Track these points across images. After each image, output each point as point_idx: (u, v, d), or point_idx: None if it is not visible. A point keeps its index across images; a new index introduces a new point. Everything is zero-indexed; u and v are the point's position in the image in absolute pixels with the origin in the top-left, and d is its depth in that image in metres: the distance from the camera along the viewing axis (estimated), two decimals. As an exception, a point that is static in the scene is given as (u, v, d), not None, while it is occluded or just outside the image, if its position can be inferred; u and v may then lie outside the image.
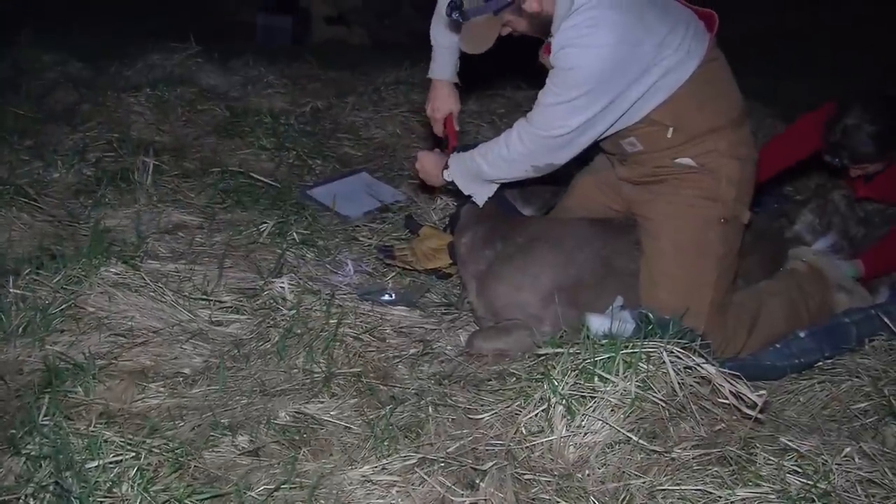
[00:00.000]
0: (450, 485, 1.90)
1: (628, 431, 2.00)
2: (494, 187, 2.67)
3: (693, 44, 2.34)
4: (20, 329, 2.35)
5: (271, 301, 2.63)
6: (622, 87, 2.30)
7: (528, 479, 1.94)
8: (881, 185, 3.07)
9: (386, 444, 2.05)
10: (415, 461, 1.97)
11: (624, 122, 2.39)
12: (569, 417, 2.03)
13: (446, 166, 2.70)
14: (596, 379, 2.06)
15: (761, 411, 2.04)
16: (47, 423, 1.96)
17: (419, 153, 2.85)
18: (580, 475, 1.97)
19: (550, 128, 2.38)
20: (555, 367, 2.11)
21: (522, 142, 2.45)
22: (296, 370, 2.36)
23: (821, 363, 2.54)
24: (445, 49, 2.87)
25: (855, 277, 2.90)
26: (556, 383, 2.06)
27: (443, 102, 2.90)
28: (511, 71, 4.49)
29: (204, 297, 2.63)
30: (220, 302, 2.64)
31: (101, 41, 5.47)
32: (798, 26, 7.72)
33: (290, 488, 1.90)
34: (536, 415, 2.07)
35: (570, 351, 2.14)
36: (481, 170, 2.59)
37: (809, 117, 3.16)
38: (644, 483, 1.91)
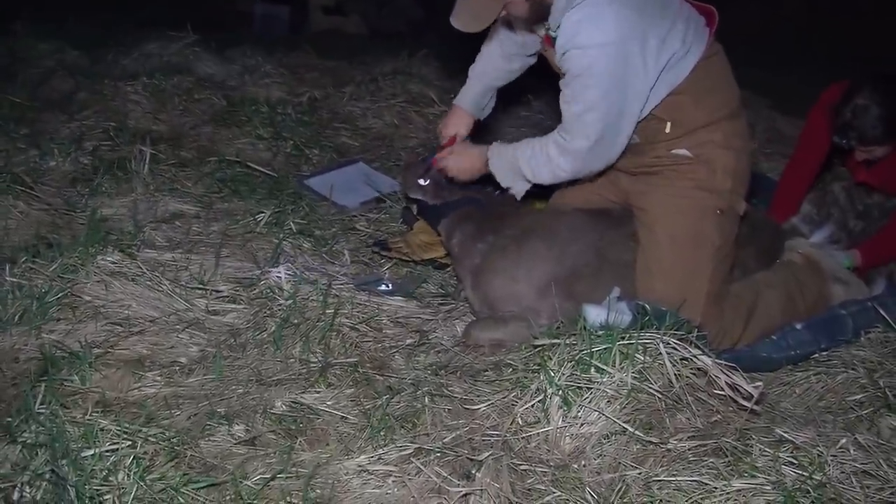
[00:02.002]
0: (446, 475, 1.90)
1: (624, 422, 2.00)
2: (529, 186, 2.64)
3: (694, 40, 2.34)
4: (16, 317, 2.35)
5: (268, 291, 2.62)
6: (634, 81, 2.28)
7: (524, 470, 1.95)
8: (882, 171, 3.07)
9: (382, 434, 2.06)
10: (411, 451, 1.98)
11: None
12: (565, 408, 2.03)
13: (488, 160, 2.66)
14: (592, 370, 2.07)
15: (757, 403, 2.05)
16: (43, 411, 1.96)
17: (450, 155, 2.76)
18: (576, 466, 1.97)
19: (581, 138, 2.37)
20: (551, 358, 2.12)
21: (562, 155, 2.43)
22: (292, 360, 2.36)
23: (817, 355, 2.55)
24: (474, 81, 2.87)
25: (851, 267, 2.90)
26: (553, 374, 2.06)
27: (452, 123, 2.87)
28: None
29: (200, 286, 2.63)
30: (217, 291, 2.64)
31: (98, 29, 5.45)
32: (795, 16, 7.71)
33: (286, 478, 1.90)
34: (533, 405, 2.08)
35: (567, 342, 2.14)
36: (524, 173, 2.56)
37: (815, 109, 3.16)
38: (640, 474, 1.92)
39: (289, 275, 2.67)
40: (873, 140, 2.89)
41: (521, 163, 2.55)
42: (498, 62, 2.80)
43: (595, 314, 2.29)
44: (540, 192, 2.71)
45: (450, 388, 2.26)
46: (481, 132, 3.88)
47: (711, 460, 1.95)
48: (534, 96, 4.66)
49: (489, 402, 2.16)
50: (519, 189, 2.64)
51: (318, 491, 1.88)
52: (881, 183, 3.14)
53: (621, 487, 1.89)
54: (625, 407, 2.04)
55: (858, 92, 2.88)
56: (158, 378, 2.24)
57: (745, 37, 4.96)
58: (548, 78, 2.56)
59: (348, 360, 2.38)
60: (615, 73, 2.26)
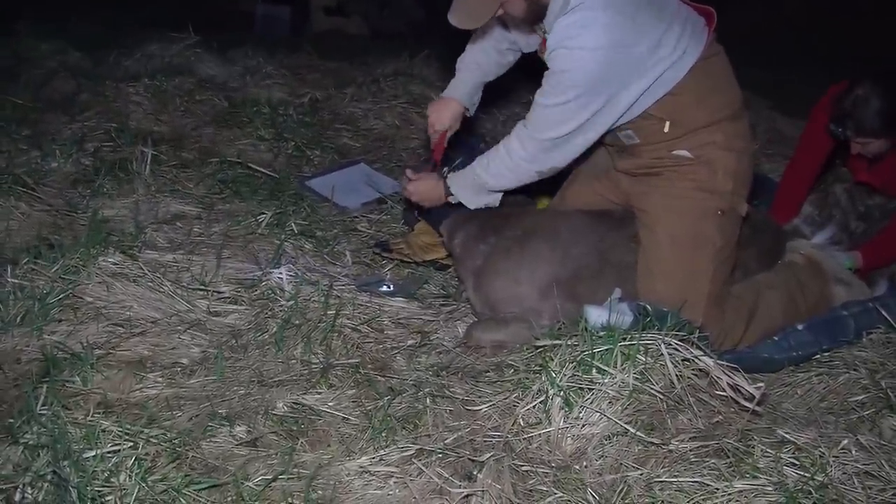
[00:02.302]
0: (447, 476, 1.90)
1: (626, 423, 2.00)
2: (500, 195, 2.67)
3: (690, 42, 2.34)
4: (18, 318, 2.34)
5: (269, 292, 2.62)
6: (616, 89, 2.30)
7: (526, 471, 1.94)
8: (883, 172, 3.06)
9: (384, 435, 2.05)
10: (412, 452, 1.98)
11: (622, 119, 2.39)
12: (567, 409, 2.03)
13: (448, 190, 2.68)
14: (594, 371, 2.07)
15: (759, 404, 2.05)
16: (45, 412, 1.96)
17: (408, 182, 2.78)
18: (578, 467, 1.97)
19: (546, 130, 2.39)
20: (553, 359, 2.11)
21: (524, 147, 2.45)
22: (294, 361, 2.36)
23: (818, 356, 2.55)
24: (467, 73, 2.86)
25: (852, 269, 2.90)
26: (554, 375, 2.06)
27: (442, 117, 2.86)
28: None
29: (202, 287, 2.63)
30: (219, 292, 2.64)
31: (100, 30, 5.46)
32: (796, 17, 7.71)
33: (288, 479, 1.90)
34: (534, 406, 2.08)
35: (569, 343, 2.14)
36: (485, 182, 2.59)
37: (815, 110, 3.15)
38: (641, 475, 1.92)
39: (290, 276, 2.68)
40: (870, 132, 2.88)
41: (480, 173, 2.58)
42: (492, 55, 2.80)
43: (596, 315, 2.29)
44: (543, 188, 2.71)
45: (451, 389, 2.26)
46: (473, 128, 3.88)
47: (713, 461, 1.95)
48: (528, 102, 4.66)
49: (491, 403, 2.16)
50: (490, 202, 2.67)
51: (319, 492, 1.88)
52: (882, 183, 3.14)
53: (623, 488, 1.89)
54: (626, 408, 2.04)
55: (860, 84, 2.87)
56: (160, 379, 2.24)
57: (746, 37, 4.96)
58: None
59: (350, 361, 2.38)
60: (597, 78, 2.26)
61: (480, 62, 2.82)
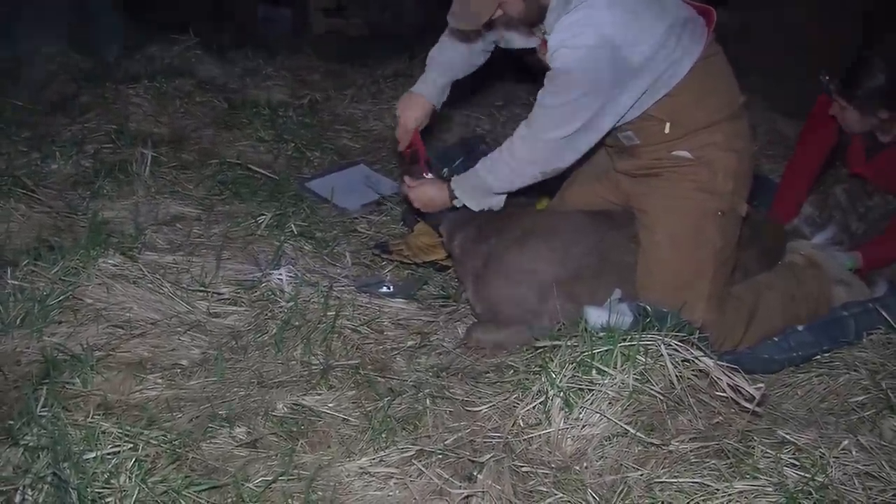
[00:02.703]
0: (447, 477, 1.90)
1: (626, 424, 2.00)
2: (503, 198, 2.67)
3: (691, 41, 2.34)
4: (18, 320, 2.34)
5: (269, 293, 2.62)
6: (620, 88, 2.29)
7: (526, 472, 1.94)
8: (879, 165, 3.05)
9: (384, 436, 2.05)
10: (412, 453, 1.98)
11: (623, 119, 2.39)
12: (566, 410, 2.03)
13: (452, 194, 2.68)
14: (594, 371, 2.06)
15: (759, 404, 2.04)
16: (45, 414, 1.96)
17: (410, 190, 2.78)
18: (578, 468, 1.97)
19: (549, 130, 2.38)
20: (553, 360, 2.11)
21: (526, 148, 2.45)
22: (294, 362, 2.36)
23: (819, 356, 2.55)
24: (437, 71, 2.86)
25: (853, 269, 2.89)
26: (554, 376, 2.06)
27: (413, 114, 2.85)
28: (509, 63, 4.49)
29: (202, 288, 2.63)
30: (218, 294, 2.64)
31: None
32: (795, 17, 7.70)
33: (288, 480, 1.90)
34: (534, 407, 2.08)
35: (568, 343, 2.14)
36: (489, 185, 2.59)
37: (815, 109, 3.15)
38: (642, 475, 1.92)
39: (290, 277, 2.67)
40: (850, 95, 2.88)
41: (483, 176, 2.58)
42: (464, 55, 2.82)
43: (596, 316, 2.29)
44: (544, 189, 2.71)
45: (451, 390, 2.26)
46: (473, 129, 3.86)
47: (713, 462, 1.95)
48: (535, 99, 4.66)
49: (490, 404, 2.16)
50: (495, 204, 2.67)
51: (319, 493, 1.88)
52: (875, 176, 3.13)
53: (623, 489, 1.89)
54: (626, 408, 2.04)
55: (874, 55, 2.87)
56: (160, 380, 2.24)
57: (745, 38, 4.96)
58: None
59: (349, 362, 2.38)
60: (599, 76, 2.26)
61: (453, 61, 2.83)
